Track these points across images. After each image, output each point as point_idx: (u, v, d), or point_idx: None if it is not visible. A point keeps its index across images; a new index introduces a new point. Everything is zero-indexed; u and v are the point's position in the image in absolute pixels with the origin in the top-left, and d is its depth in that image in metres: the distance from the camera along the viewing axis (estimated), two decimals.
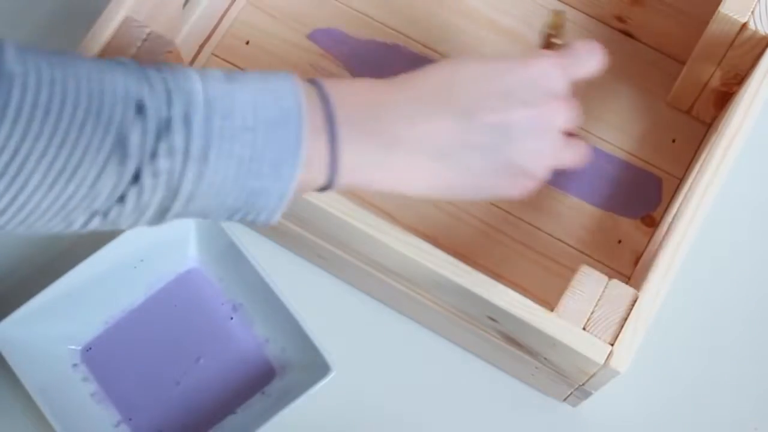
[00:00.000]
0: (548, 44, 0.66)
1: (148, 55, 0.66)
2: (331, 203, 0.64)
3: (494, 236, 0.77)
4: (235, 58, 0.81)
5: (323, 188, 0.55)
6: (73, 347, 0.73)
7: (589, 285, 0.62)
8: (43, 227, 0.51)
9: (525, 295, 0.62)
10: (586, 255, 0.77)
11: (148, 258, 0.74)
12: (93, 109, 0.49)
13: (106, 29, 0.66)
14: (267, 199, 0.53)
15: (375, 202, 0.78)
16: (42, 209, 0.50)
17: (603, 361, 0.61)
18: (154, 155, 0.50)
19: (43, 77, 0.48)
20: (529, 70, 0.58)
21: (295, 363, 0.72)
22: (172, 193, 0.51)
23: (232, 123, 0.51)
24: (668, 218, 0.72)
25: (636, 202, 0.79)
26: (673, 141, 0.80)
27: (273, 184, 0.52)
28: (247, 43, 0.82)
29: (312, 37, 0.82)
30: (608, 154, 0.80)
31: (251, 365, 0.74)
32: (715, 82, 0.74)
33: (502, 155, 0.57)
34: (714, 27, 0.70)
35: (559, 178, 0.79)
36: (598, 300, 0.62)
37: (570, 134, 0.60)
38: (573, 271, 0.63)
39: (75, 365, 0.73)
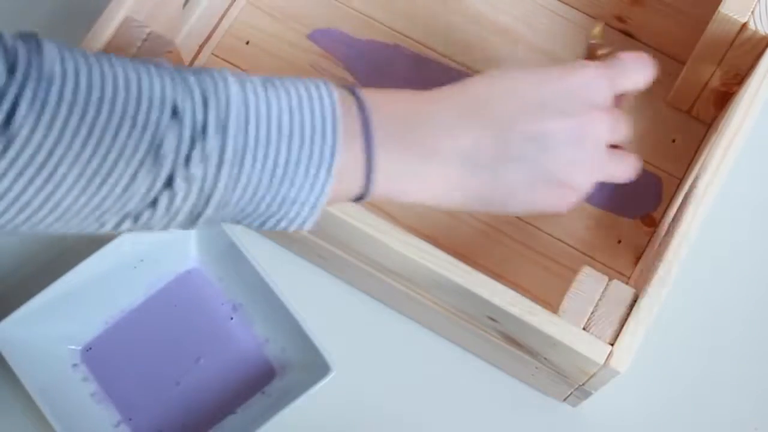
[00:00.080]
0: (592, 55, 0.65)
1: (148, 55, 0.66)
2: None
3: (494, 236, 0.77)
4: (235, 58, 0.81)
5: (358, 198, 0.55)
6: (73, 347, 0.73)
7: (590, 285, 0.62)
8: (75, 227, 0.51)
9: (525, 296, 0.62)
10: (587, 255, 0.77)
11: (148, 258, 0.74)
12: (129, 113, 0.49)
13: (106, 29, 0.66)
14: (300, 207, 0.53)
15: (375, 202, 0.77)
16: (75, 210, 0.49)
17: (603, 361, 0.61)
18: (188, 160, 0.49)
19: (80, 80, 0.48)
20: (567, 80, 0.57)
21: (295, 363, 0.72)
22: (205, 199, 0.51)
23: (267, 130, 0.51)
24: (668, 218, 0.72)
25: (636, 202, 0.78)
26: (673, 141, 0.80)
27: (307, 192, 0.52)
28: (247, 43, 0.82)
29: (312, 37, 0.82)
30: None
31: (251, 365, 0.74)
32: (715, 82, 0.74)
33: (540, 166, 0.56)
34: (714, 27, 0.70)
35: None
36: (599, 300, 0.62)
37: (616, 146, 0.59)
38: (573, 271, 0.63)
39: (75, 365, 0.73)
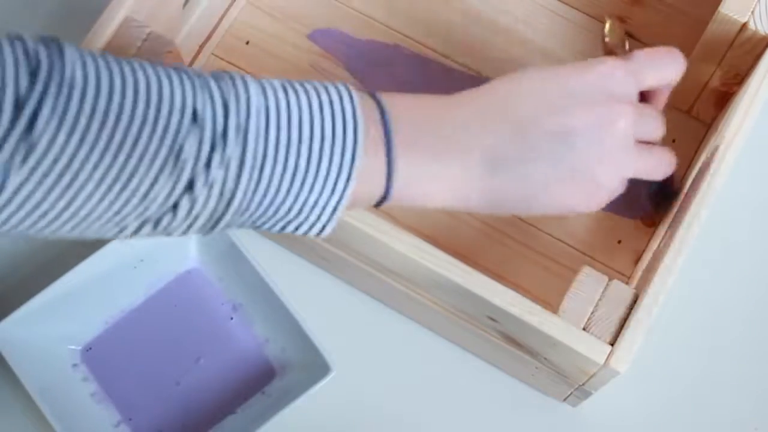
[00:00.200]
0: (610, 52, 0.65)
1: (148, 55, 0.66)
2: None
3: (494, 236, 0.77)
4: (235, 58, 0.81)
5: (378, 202, 0.54)
6: (73, 347, 0.73)
7: (590, 285, 0.62)
8: (96, 233, 0.51)
9: (525, 296, 0.62)
10: (586, 255, 0.77)
11: (148, 258, 0.74)
12: (150, 118, 0.49)
13: (106, 29, 0.66)
14: (320, 211, 0.52)
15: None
16: (95, 215, 0.49)
17: (603, 361, 0.61)
18: (208, 165, 0.49)
19: (102, 84, 0.48)
20: (588, 75, 0.56)
21: (295, 363, 0.72)
22: (225, 203, 0.51)
23: (288, 135, 0.51)
24: (668, 218, 0.72)
25: (636, 202, 0.78)
26: (673, 141, 0.80)
27: (327, 197, 0.52)
28: (247, 43, 0.82)
29: (312, 37, 0.82)
30: None
31: (251, 365, 0.74)
32: (715, 82, 0.74)
33: (565, 164, 0.55)
34: (714, 27, 0.70)
35: None
36: (599, 300, 0.62)
37: (650, 143, 0.58)
38: (573, 271, 0.63)
39: (75, 365, 0.73)
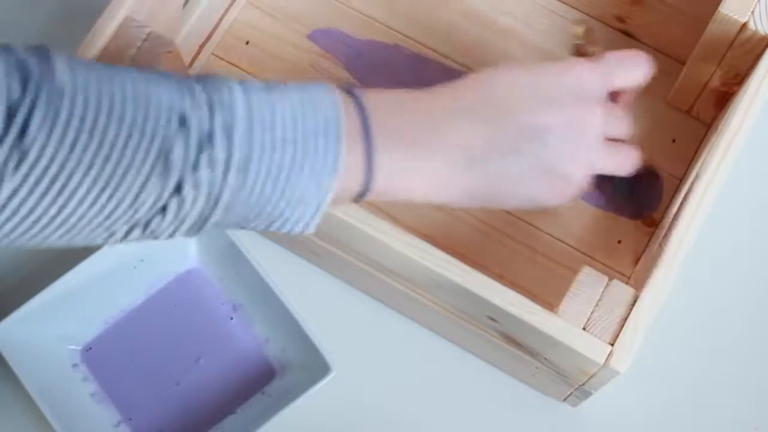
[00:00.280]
0: (581, 54, 0.66)
1: (148, 55, 0.66)
2: None
3: (494, 236, 0.77)
4: (235, 58, 0.81)
5: (359, 196, 0.55)
6: (73, 347, 0.73)
7: (590, 285, 0.62)
8: (85, 239, 0.52)
9: (525, 295, 0.62)
10: (587, 255, 0.77)
11: (148, 258, 0.74)
12: (138, 123, 0.49)
13: (106, 29, 0.66)
14: (305, 209, 0.53)
15: (375, 202, 0.77)
16: (86, 220, 0.50)
17: (603, 361, 0.61)
18: (195, 167, 0.50)
19: (90, 92, 0.49)
20: (562, 76, 0.58)
21: (295, 363, 0.72)
22: (213, 204, 0.51)
23: (272, 134, 0.52)
24: (668, 218, 0.72)
25: (636, 202, 0.78)
26: (673, 141, 0.80)
27: (312, 194, 0.53)
28: (247, 43, 0.82)
29: (312, 37, 0.82)
30: None
31: (251, 365, 0.74)
32: (715, 82, 0.74)
33: (539, 160, 0.57)
34: (714, 27, 0.70)
35: None
36: (598, 300, 0.62)
37: (618, 140, 0.60)
38: (573, 271, 0.63)
39: (75, 365, 0.73)
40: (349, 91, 0.55)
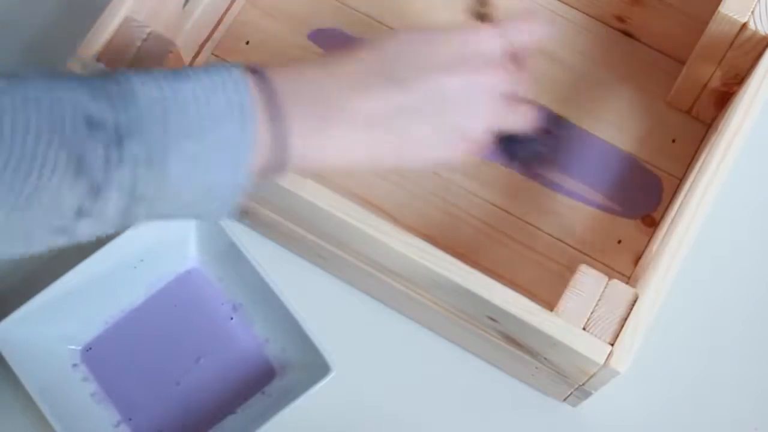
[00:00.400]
0: (479, 17, 0.67)
1: (148, 55, 0.66)
2: (331, 203, 0.64)
3: (494, 236, 0.77)
4: (235, 58, 0.81)
5: (276, 172, 0.56)
6: (73, 347, 0.73)
7: (589, 285, 0.62)
8: (4, 252, 0.52)
9: (525, 295, 0.62)
10: (586, 255, 0.77)
11: (148, 258, 0.74)
12: (45, 131, 0.49)
13: (106, 29, 0.66)
14: (225, 191, 0.54)
15: (375, 202, 0.78)
16: (2, 234, 0.50)
17: (603, 361, 0.61)
18: (109, 166, 0.50)
19: None
20: (463, 38, 0.60)
21: (295, 363, 0.72)
22: (134, 201, 0.51)
23: (184, 123, 0.52)
24: (668, 218, 0.72)
25: (636, 202, 0.79)
26: (673, 141, 0.80)
27: (230, 176, 0.53)
28: (247, 43, 0.82)
29: (312, 37, 0.82)
30: (608, 153, 0.80)
31: (251, 365, 0.74)
32: (715, 82, 0.74)
33: (442, 122, 0.59)
34: (714, 27, 0.70)
35: (559, 179, 0.79)
36: (598, 300, 0.62)
37: (517, 99, 0.62)
38: (573, 271, 0.63)
39: (75, 365, 0.73)
40: (253, 69, 0.56)
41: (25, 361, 0.70)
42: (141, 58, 0.65)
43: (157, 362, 0.74)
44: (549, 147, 0.65)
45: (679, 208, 0.67)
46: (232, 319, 0.74)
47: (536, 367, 0.69)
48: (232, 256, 0.73)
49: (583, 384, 0.67)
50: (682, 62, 0.77)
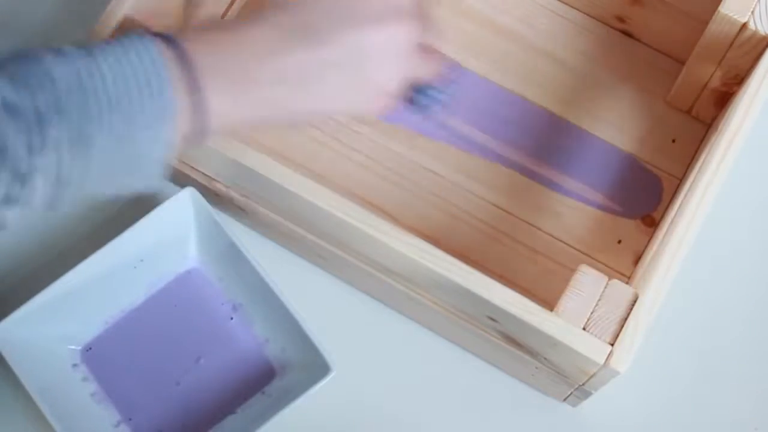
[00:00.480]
0: None
1: None
2: (331, 203, 0.64)
3: (494, 236, 0.77)
4: None
5: (198, 139, 0.56)
6: (73, 347, 0.73)
7: (589, 285, 0.62)
8: None
9: (525, 295, 0.62)
10: (586, 255, 0.77)
11: (148, 258, 0.74)
12: None
13: (106, 29, 0.66)
14: (149, 163, 0.54)
15: (375, 202, 0.78)
16: None
17: (603, 361, 0.61)
18: (32, 151, 0.50)
19: None
20: None
21: (295, 363, 0.72)
22: (60, 184, 0.51)
23: (104, 100, 0.51)
24: (668, 218, 0.72)
25: (636, 202, 0.79)
26: (673, 141, 0.80)
27: (153, 148, 0.54)
28: None
29: None
30: (608, 153, 0.80)
31: (251, 365, 0.74)
32: (715, 82, 0.74)
33: (359, 75, 0.59)
34: (714, 27, 0.70)
35: (559, 179, 0.79)
36: (598, 300, 0.62)
37: (426, 48, 0.62)
38: (573, 271, 0.63)
39: (75, 365, 0.73)
40: (167, 37, 0.55)
41: (25, 361, 0.70)
42: None
43: (157, 362, 0.74)
44: (449, 93, 0.65)
45: (679, 208, 0.67)
46: (232, 319, 0.74)
47: (536, 367, 0.69)
48: (232, 256, 0.73)
49: (583, 384, 0.67)
50: (682, 62, 0.77)
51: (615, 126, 0.80)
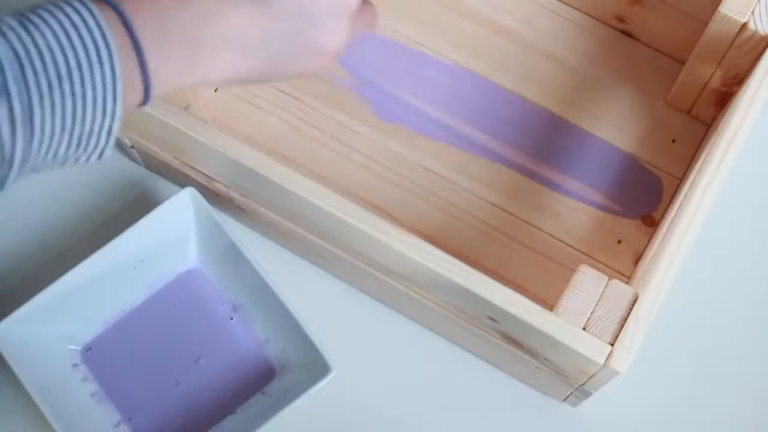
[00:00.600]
0: None
1: None
2: (331, 203, 0.64)
3: (494, 236, 0.77)
4: None
5: (143, 104, 0.56)
6: (73, 347, 0.73)
7: (589, 285, 0.62)
8: None
9: (525, 295, 0.62)
10: (586, 255, 0.77)
11: (148, 258, 0.74)
12: None
13: None
14: (98, 138, 0.53)
15: (375, 202, 0.78)
16: None
17: (603, 361, 0.61)
18: None
19: None
20: None
21: (295, 363, 0.72)
22: (6, 163, 0.50)
23: (46, 75, 0.51)
24: (668, 218, 0.72)
25: (636, 202, 0.79)
26: (673, 141, 0.80)
27: (100, 121, 0.53)
28: None
29: None
30: (608, 153, 0.80)
31: (251, 365, 0.74)
32: (715, 82, 0.74)
33: (304, 38, 0.59)
34: (714, 27, 0.70)
35: (559, 179, 0.79)
36: (598, 300, 0.62)
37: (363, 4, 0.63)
38: (573, 271, 0.63)
39: (75, 365, 0.73)
40: (110, 4, 0.54)
41: (25, 361, 0.70)
42: None
43: (157, 362, 0.74)
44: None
45: (679, 208, 0.67)
46: (232, 319, 0.74)
47: (536, 367, 0.69)
48: (232, 256, 0.73)
49: (583, 384, 0.67)
50: (682, 62, 0.77)
51: (615, 126, 0.80)
